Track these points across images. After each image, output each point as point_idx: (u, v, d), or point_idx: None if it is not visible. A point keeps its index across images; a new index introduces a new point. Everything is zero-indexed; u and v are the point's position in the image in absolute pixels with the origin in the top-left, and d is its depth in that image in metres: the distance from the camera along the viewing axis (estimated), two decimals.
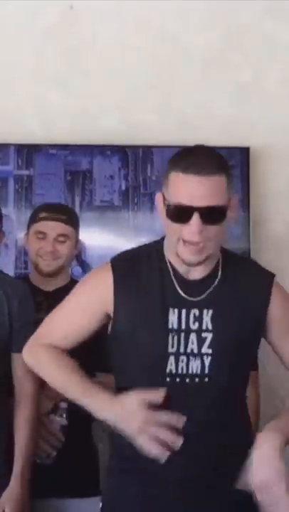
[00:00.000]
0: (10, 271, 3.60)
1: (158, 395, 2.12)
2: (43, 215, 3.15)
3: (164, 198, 2.18)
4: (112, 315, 2.27)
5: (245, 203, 3.91)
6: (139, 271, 2.26)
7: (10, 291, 2.82)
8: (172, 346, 2.20)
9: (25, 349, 2.43)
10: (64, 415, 2.89)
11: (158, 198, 2.22)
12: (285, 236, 3.98)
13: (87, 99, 3.97)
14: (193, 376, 2.20)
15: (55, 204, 3.43)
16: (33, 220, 3.18)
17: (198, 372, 2.21)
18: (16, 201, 3.83)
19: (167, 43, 4.00)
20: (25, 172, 3.87)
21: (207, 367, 2.20)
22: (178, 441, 2.08)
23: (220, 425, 2.22)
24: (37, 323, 2.79)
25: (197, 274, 2.24)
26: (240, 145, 3.95)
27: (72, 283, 3.17)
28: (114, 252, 2.41)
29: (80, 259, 3.49)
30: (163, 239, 2.31)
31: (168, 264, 2.25)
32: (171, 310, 2.21)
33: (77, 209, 3.78)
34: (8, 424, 2.79)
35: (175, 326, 2.21)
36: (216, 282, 2.25)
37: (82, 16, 3.98)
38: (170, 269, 2.24)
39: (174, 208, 2.13)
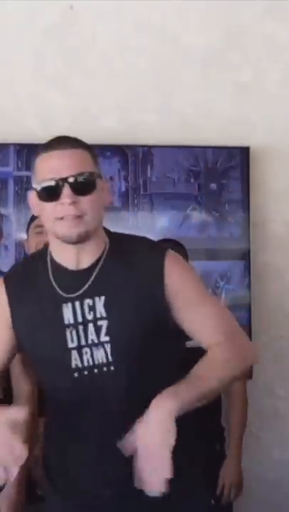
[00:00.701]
0: None
1: (19, 413, 2.06)
2: None
3: (36, 191, 2.16)
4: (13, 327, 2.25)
5: (245, 203, 3.91)
6: (28, 278, 2.24)
7: None
8: (72, 341, 2.16)
9: None
10: None
11: (30, 196, 2.20)
12: (285, 236, 3.98)
13: (87, 99, 3.96)
14: (99, 366, 2.15)
15: None
16: (32, 219, 3.22)
17: (104, 361, 2.15)
18: (16, 203, 3.82)
19: (167, 43, 4.00)
20: (25, 173, 3.86)
21: (110, 355, 2.15)
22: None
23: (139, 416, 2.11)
24: None
25: (86, 261, 2.19)
26: (240, 145, 3.95)
27: None
28: None
29: None
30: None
31: (49, 262, 2.23)
32: (64, 305, 2.17)
33: None
34: None
35: (71, 321, 2.17)
36: (97, 269, 2.19)
37: (82, 16, 3.98)
38: (49, 267, 2.22)
39: (43, 188, 2.12)
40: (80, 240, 2.14)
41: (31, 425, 2.79)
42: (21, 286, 2.23)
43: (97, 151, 3.81)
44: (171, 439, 1.93)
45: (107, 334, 2.15)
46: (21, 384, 2.80)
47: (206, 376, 2.09)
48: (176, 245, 3.35)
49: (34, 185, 2.17)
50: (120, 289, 2.17)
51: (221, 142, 3.94)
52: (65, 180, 2.09)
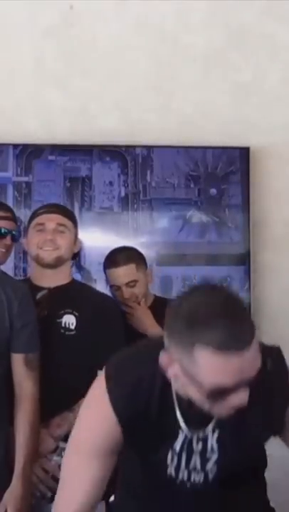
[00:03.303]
0: None
1: None
2: (41, 210, 3.17)
3: (182, 368, 1.80)
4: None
5: (246, 203, 3.91)
6: (137, 391, 1.96)
7: (10, 292, 2.84)
8: (172, 460, 2.01)
9: None
10: (62, 453, 2.90)
11: (165, 359, 1.83)
12: (286, 236, 3.98)
13: (87, 99, 3.97)
14: (196, 484, 2.03)
15: (53, 203, 3.45)
16: (32, 217, 3.18)
17: (202, 482, 2.03)
18: (15, 208, 3.79)
19: (167, 43, 4.00)
20: (24, 178, 3.86)
21: (212, 479, 2.02)
22: None
23: None
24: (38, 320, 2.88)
25: None
26: (240, 145, 3.95)
27: (74, 282, 3.20)
28: None
29: (80, 265, 3.50)
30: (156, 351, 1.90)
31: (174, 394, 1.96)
32: (173, 439, 2.00)
33: (76, 215, 3.78)
34: (8, 424, 2.80)
35: (178, 449, 1.99)
36: None
37: (82, 16, 3.98)
38: (175, 400, 1.97)
39: (212, 391, 1.78)
40: None
41: (36, 423, 2.82)
42: (133, 400, 1.95)
43: (97, 155, 3.90)
44: None
45: (215, 464, 2.00)
46: (26, 384, 2.81)
47: None
48: (138, 254, 3.36)
49: (187, 369, 1.79)
50: (239, 422, 1.94)
51: (220, 142, 3.95)
52: (241, 384, 1.78)
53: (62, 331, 3.04)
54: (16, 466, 2.76)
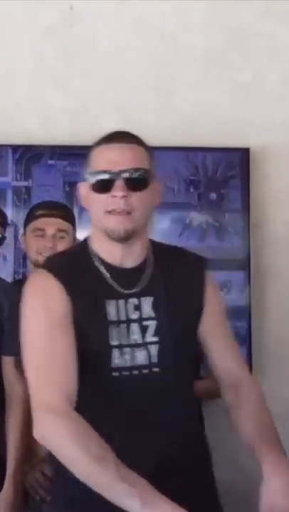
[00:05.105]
0: None
1: None
2: (40, 212, 3.13)
3: (89, 182, 2.15)
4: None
5: (245, 203, 3.91)
6: (71, 270, 2.16)
7: (1, 294, 2.84)
8: (114, 339, 2.10)
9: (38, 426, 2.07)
10: None
11: (80, 187, 2.20)
12: (285, 237, 3.98)
13: (87, 99, 3.97)
14: (140, 367, 2.11)
15: (51, 201, 3.44)
16: (30, 218, 3.16)
17: (146, 362, 2.12)
18: (15, 213, 3.80)
19: (167, 43, 4.00)
20: (23, 183, 3.85)
21: (155, 356, 2.12)
22: None
23: (171, 416, 2.13)
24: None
25: (130, 262, 2.18)
26: (240, 145, 3.94)
27: None
28: None
29: None
30: (86, 239, 2.25)
31: (96, 258, 2.18)
32: (107, 302, 2.12)
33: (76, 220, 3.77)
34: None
35: (114, 318, 2.11)
36: (147, 270, 2.19)
37: (82, 16, 3.98)
38: (98, 263, 2.17)
39: (97, 179, 2.12)
40: (127, 236, 2.13)
41: (26, 426, 2.81)
42: (71, 276, 2.13)
43: None
44: None
45: (155, 335, 2.14)
46: (16, 386, 2.80)
47: (271, 422, 2.24)
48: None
49: (88, 176, 2.16)
50: (169, 292, 2.18)
51: (220, 142, 3.94)
52: (119, 173, 2.09)
53: None
54: (8, 471, 2.77)
